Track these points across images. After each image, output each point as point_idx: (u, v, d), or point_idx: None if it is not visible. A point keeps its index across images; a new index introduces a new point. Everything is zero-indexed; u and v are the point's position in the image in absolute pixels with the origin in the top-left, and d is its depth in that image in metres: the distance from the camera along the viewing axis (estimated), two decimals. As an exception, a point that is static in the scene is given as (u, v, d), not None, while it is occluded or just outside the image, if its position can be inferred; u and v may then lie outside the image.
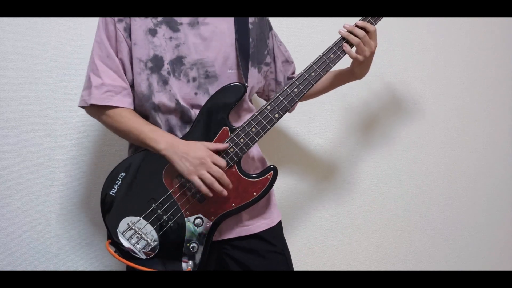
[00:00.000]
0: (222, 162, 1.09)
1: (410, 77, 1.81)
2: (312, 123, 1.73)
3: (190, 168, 1.07)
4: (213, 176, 1.07)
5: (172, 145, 1.08)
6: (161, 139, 1.08)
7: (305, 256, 1.75)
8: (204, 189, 1.07)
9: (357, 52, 1.19)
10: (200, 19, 1.15)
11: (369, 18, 1.20)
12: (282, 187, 1.71)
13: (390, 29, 1.74)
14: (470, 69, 1.89)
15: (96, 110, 1.15)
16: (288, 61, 1.36)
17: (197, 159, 1.06)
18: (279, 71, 1.33)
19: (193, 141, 1.10)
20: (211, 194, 1.08)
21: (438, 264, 1.89)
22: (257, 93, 1.36)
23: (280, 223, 1.28)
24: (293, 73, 1.39)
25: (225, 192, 1.08)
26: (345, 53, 1.18)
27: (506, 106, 1.94)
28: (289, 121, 1.70)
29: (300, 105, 1.50)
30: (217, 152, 1.11)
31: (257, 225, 1.21)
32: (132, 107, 1.15)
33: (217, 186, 1.07)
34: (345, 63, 1.26)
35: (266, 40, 1.27)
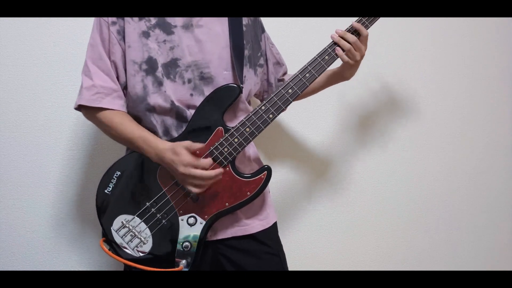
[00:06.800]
0: (205, 163, 1.08)
1: (410, 77, 1.81)
2: (310, 122, 1.73)
3: (181, 178, 1.09)
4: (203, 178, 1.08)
5: (160, 157, 1.09)
6: (149, 149, 1.10)
7: (304, 256, 1.75)
8: (200, 191, 1.09)
9: (348, 56, 1.19)
10: (194, 21, 1.15)
11: (365, 20, 1.20)
12: (279, 187, 1.71)
13: (389, 29, 1.74)
14: (469, 69, 1.89)
15: (89, 113, 1.16)
16: (279, 63, 1.38)
17: (181, 174, 1.07)
18: (270, 73, 1.34)
19: (177, 142, 1.08)
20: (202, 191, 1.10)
21: (438, 264, 1.89)
22: (254, 94, 1.37)
23: (275, 224, 1.28)
24: (284, 74, 1.40)
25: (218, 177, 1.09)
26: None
27: (506, 106, 1.94)
28: (287, 121, 1.70)
29: (298, 105, 1.50)
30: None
31: (252, 225, 1.21)
32: (123, 109, 1.16)
33: (209, 184, 1.09)
34: (339, 64, 1.26)
35: (259, 42, 1.28)
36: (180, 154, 1.06)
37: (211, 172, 1.08)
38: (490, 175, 1.94)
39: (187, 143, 1.08)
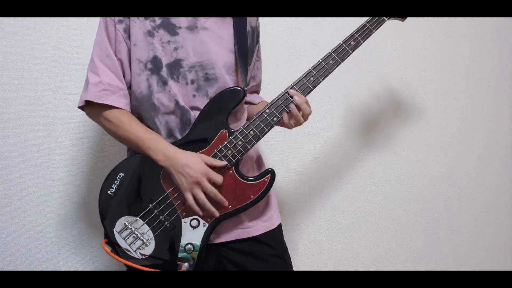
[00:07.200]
0: (219, 179, 1.09)
1: (410, 77, 1.81)
2: (311, 123, 1.71)
3: (185, 185, 1.08)
4: (208, 195, 1.08)
5: (169, 157, 1.08)
6: (159, 151, 1.09)
7: (305, 256, 1.75)
8: (196, 208, 1.09)
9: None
10: (199, 24, 1.15)
11: (369, 26, 1.19)
12: (282, 188, 1.71)
13: (390, 29, 1.73)
14: (470, 69, 1.89)
15: (94, 111, 1.15)
16: (254, 78, 1.33)
17: (192, 177, 1.07)
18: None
19: (192, 152, 1.10)
20: (201, 214, 1.09)
21: (438, 264, 1.89)
22: None
23: (280, 226, 1.27)
24: (252, 92, 1.36)
25: (216, 213, 1.10)
26: (344, 59, 1.18)
27: (506, 106, 1.94)
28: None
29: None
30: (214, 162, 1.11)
31: (256, 228, 1.20)
32: (128, 108, 1.15)
33: (208, 207, 1.09)
34: (344, 68, 1.25)
35: (253, 51, 1.27)
36: (199, 164, 1.07)
37: (220, 197, 1.09)
38: (490, 175, 1.94)
39: (205, 156, 1.10)
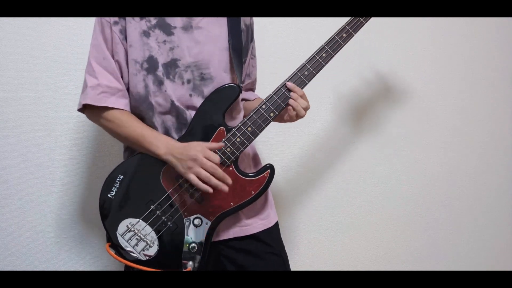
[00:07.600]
0: (215, 157, 1.08)
1: (410, 77, 1.81)
2: (310, 122, 1.73)
3: (185, 167, 1.07)
4: (208, 171, 1.07)
5: (171, 149, 1.09)
6: (161, 144, 1.09)
7: (305, 256, 1.75)
8: (202, 186, 1.07)
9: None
10: (194, 23, 1.15)
11: (363, 20, 1.19)
12: (282, 188, 1.71)
13: (390, 29, 1.74)
14: (469, 69, 1.89)
15: (94, 113, 1.15)
16: (249, 76, 1.34)
17: (189, 157, 1.06)
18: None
19: (191, 142, 1.10)
20: (211, 190, 1.07)
21: (438, 264, 1.89)
22: None
23: (277, 224, 1.27)
24: (247, 90, 1.37)
25: (224, 187, 1.08)
26: (337, 51, 1.18)
27: (506, 106, 1.94)
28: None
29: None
30: (213, 151, 1.11)
31: (254, 225, 1.21)
32: (127, 108, 1.15)
33: (214, 181, 1.07)
34: (337, 61, 1.25)
35: (248, 49, 1.28)
36: (196, 145, 1.08)
37: (220, 172, 1.07)
38: (490, 175, 1.94)
39: (203, 142, 1.10)
